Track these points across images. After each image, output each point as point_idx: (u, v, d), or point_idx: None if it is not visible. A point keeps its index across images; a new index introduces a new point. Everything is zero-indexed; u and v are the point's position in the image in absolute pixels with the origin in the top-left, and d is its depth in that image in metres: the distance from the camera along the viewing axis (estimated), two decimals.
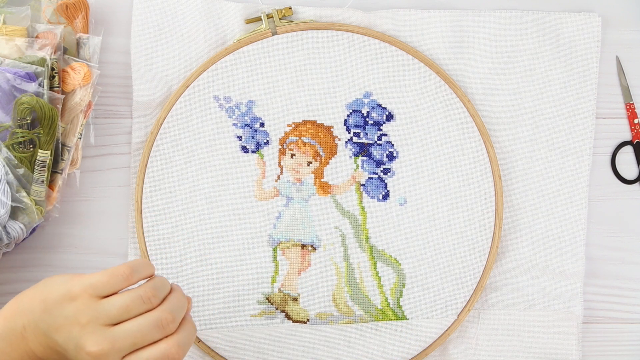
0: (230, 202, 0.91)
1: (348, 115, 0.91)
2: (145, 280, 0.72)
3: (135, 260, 0.72)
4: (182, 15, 0.91)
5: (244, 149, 0.91)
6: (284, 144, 0.91)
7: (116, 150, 0.92)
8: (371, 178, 0.92)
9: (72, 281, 0.70)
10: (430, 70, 0.91)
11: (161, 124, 0.90)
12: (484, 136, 0.91)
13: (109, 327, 0.69)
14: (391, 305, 0.92)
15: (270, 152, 0.91)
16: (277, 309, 0.91)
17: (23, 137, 0.85)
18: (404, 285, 0.92)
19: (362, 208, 0.92)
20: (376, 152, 0.92)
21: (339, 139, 0.92)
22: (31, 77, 0.86)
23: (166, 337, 0.70)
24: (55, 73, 0.87)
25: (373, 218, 0.91)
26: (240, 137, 0.91)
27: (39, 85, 0.86)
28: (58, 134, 0.87)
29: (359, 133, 0.91)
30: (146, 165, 0.90)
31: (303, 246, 0.91)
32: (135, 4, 0.91)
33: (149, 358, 0.68)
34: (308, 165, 0.91)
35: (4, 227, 0.85)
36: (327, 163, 0.91)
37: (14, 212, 0.85)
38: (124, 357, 0.68)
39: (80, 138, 0.89)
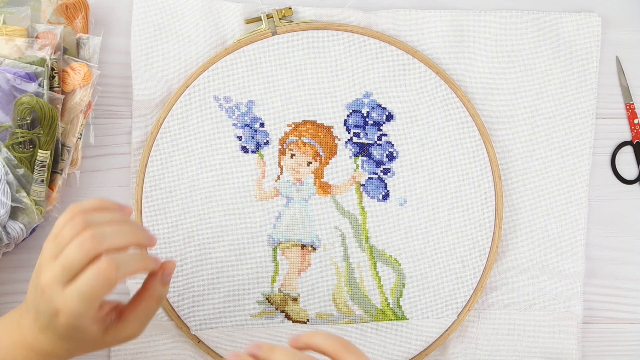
0: (230, 202, 0.91)
1: (348, 116, 0.91)
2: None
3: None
4: (182, 15, 0.91)
5: (244, 149, 0.91)
6: (284, 144, 0.91)
7: (116, 150, 0.92)
8: (371, 178, 0.92)
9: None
10: (430, 70, 0.91)
11: (161, 124, 0.90)
12: (484, 136, 0.91)
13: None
14: (391, 306, 0.92)
15: (270, 152, 0.91)
16: (277, 309, 0.91)
17: (23, 137, 0.85)
18: (403, 286, 0.92)
19: (362, 208, 0.92)
20: (376, 152, 0.92)
21: (339, 139, 0.91)
22: (31, 77, 0.86)
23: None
24: (55, 73, 0.87)
25: (373, 218, 0.91)
26: (240, 137, 0.91)
27: (39, 85, 0.86)
28: (58, 134, 0.87)
29: (359, 133, 0.91)
30: (146, 165, 0.90)
31: (303, 246, 0.91)
32: (135, 4, 0.91)
33: (86, 277, 0.68)
34: (308, 165, 0.91)
35: (4, 227, 0.85)
36: (327, 163, 0.91)
37: (14, 212, 0.85)
38: (66, 285, 0.69)
39: (80, 138, 0.89)
